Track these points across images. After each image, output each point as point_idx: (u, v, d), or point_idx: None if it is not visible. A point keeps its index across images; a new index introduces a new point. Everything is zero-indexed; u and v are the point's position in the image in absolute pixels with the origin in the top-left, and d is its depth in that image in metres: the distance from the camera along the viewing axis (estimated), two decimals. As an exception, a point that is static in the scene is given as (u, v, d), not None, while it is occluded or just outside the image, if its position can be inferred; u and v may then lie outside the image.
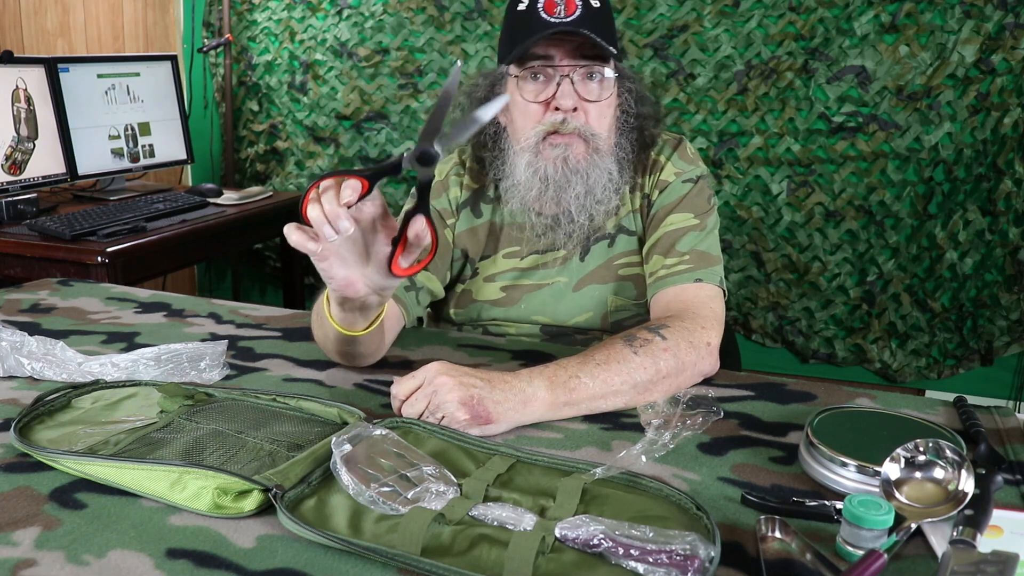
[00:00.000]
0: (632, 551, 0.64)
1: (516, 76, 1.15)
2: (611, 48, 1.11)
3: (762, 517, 0.72)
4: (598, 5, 1.13)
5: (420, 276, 1.22)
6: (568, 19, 1.10)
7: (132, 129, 2.57)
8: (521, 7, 1.14)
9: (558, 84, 1.12)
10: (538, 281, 1.27)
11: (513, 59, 1.14)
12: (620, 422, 0.94)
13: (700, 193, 1.23)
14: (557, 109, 1.12)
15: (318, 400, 0.92)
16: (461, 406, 0.87)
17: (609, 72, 1.14)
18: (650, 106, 1.22)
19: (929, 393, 2.53)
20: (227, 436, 0.84)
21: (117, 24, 2.92)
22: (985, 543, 0.67)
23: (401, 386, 0.91)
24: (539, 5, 1.12)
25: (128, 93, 2.56)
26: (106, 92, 2.50)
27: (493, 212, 1.28)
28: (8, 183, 2.21)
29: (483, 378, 0.90)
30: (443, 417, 0.88)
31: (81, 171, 2.41)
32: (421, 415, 0.89)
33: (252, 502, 0.73)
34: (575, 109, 1.13)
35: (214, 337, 1.20)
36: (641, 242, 1.25)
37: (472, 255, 1.29)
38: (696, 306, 1.11)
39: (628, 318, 1.26)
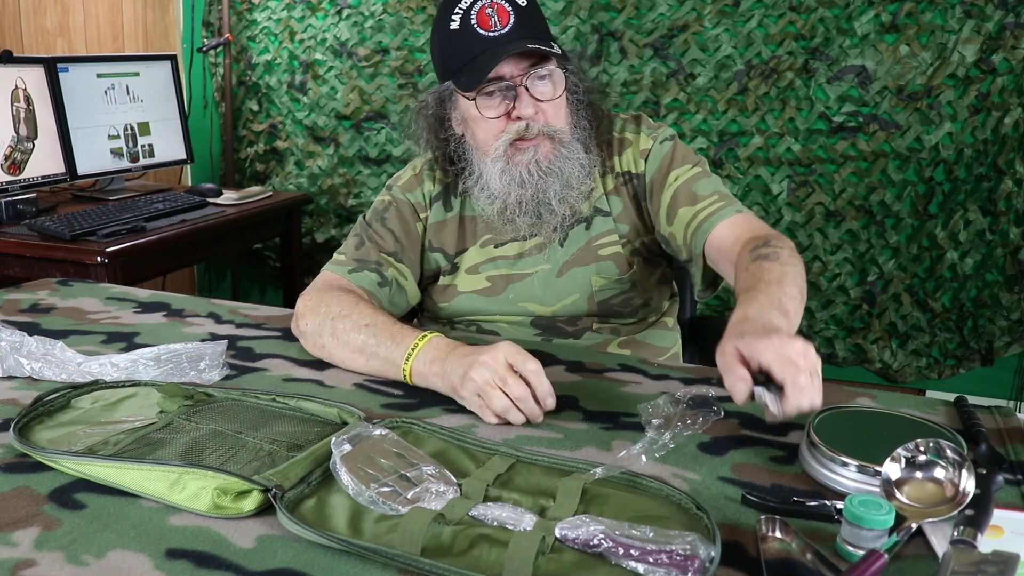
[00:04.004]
0: (632, 551, 0.64)
1: (472, 98, 1.17)
2: (552, 49, 1.13)
3: (762, 517, 0.72)
4: (524, 3, 1.15)
5: (390, 271, 1.25)
6: (505, 29, 1.13)
7: (132, 129, 2.57)
8: (453, 26, 1.15)
9: (515, 96, 1.15)
10: (522, 270, 1.28)
11: (468, 86, 1.15)
12: (620, 422, 0.94)
13: (682, 147, 1.26)
14: (519, 119, 1.15)
15: (318, 400, 0.92)
16: None
17: (556, 68, 1.17)
18: (590, 79, 1.25)
19: (930, 393, 2.53)
20: (227, 436, 0.84)
21: (117, 24, 2.92)
22: (986, 543, 0.67)
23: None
24: (472, 22, 1.13)
25: (128, 93, 2.56)
26: (105, 92, 2.49)
27: (462, 205, 1.29)
28: (8, 183, 2.21)
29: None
30: None
31: (81, 171, 2.40)
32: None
33: (252, 502, 0.72)
34: (536, 112, 1.16)
35: (214, 337, 1.20)
36: (617, 223, 1.27)
37: (448, 249, 1.30)
38: (759, 227, 1.14)
39: (614, 296, 1.27)
